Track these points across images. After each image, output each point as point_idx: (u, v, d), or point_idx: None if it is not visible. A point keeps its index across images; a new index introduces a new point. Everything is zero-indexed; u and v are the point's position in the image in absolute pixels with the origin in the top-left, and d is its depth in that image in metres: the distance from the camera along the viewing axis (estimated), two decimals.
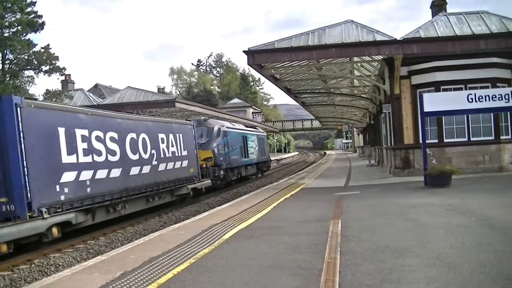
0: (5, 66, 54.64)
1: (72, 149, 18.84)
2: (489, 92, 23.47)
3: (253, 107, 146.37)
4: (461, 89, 27.69)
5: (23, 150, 16.21)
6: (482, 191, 20.80)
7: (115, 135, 22.00)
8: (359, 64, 36.42)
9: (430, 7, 34.02)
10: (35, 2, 55.59)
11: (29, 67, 56.13)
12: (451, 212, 15.62)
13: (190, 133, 31.49)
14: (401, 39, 26.96)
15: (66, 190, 18.23)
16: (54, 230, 17.53)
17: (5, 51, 53.99)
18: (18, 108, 16.14)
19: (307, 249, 11.54)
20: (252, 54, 27.85)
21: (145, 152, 25.04)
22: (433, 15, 32.19)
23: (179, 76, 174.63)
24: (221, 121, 47.02)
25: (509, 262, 9.39)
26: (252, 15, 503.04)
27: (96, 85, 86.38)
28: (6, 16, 53.14)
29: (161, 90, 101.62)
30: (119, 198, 21.97)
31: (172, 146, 28.09)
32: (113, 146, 21.76)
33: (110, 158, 21.48)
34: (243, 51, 27.63)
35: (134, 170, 23.61)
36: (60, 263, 16.56)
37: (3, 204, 16.13)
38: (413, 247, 10.98)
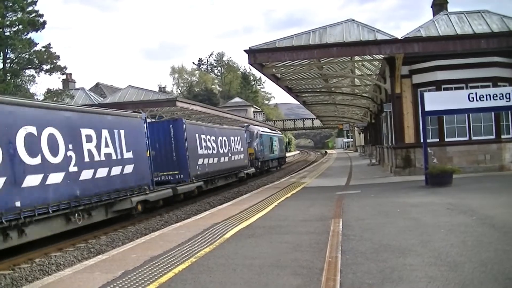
0: (6, 65, 54.65)
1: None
2: (490, 91, 23.45)
3: (254, 106, 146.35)
4: (462, 88, 27.68)
5: (186, 146, 30.90)
6: (483, 190, 20.79)
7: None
8: (360, 63, 36.46)
9: (431, 6, 34.08)
10: (36, 1, 55.59)
11: (30, 66, 56.15)
12: (452, 211, 15.62)
13: (245, 137, 46.31)
14: (402, 38, 26.98)
15: (199, 168, 33.25)
16: (195, 190, 32.04)
17: (6, 50, 54.00)
18: (184, 125, 30.86)
19: (308, 248, 11.54)
20: (253, 53, 27.86)
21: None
22: (434, 14, 32.22)
23: (180, 75, 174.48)
24: (257, 126, 65.66)
25: (510, 261, 9.39)
26: (253, 14, 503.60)
27: (97, 84, 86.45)
28: (7, 15, 53.14)
29: (162, 89, 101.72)
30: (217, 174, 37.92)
31: (229, 145, 40.28)
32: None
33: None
34: (244, 50, 27.64)
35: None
36: (61, 262, 16.59)
37: (177, 174, 30.86)
38: (414, 246, 10.98)
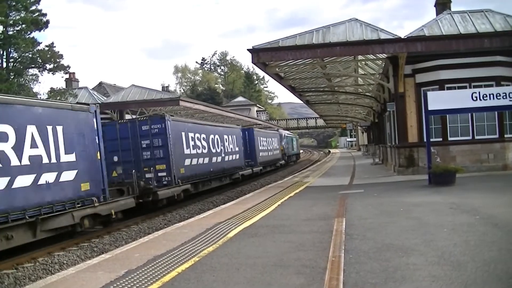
0: (9, 64, 54.70)
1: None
2: (493, 91, 23.45)
3: (257, 105, 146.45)
4: (465, 87, 27.64)
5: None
6: (486, 189, 20.78)
7: None
8: (363, 62, 36.43)
9: (435, 6, 34.00)
10: (39, 0, 55.67)
11: (33, 66, 56.17)
12: (455, 211, 15.62)
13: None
14: (405, 37, 26.96)
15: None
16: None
17: (9, 49, 54.04)
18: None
19: (311, 247, 11.55)
20: (257, 53, 27.84)
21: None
22: (437, 14, 32.17)
23: (183, 74, 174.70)
24: (284, 131, 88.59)
25: None
26: (256, 13, 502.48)
27: (100, 84, 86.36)
28: (11, 14, 53.18)
29: (165, 89, 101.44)
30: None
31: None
32: None
33: None
34: (248, 50, 27.62)
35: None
36: (65, 262, 16.66)
37: (250, 162, 45.15)
38: (417, 245, 10.98)
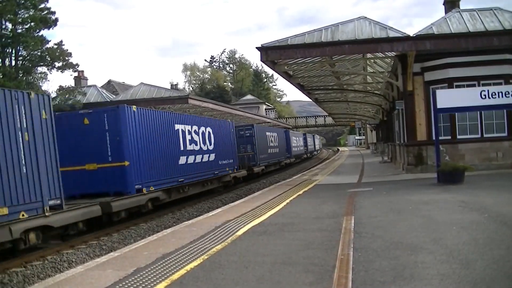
0: (18, 62, 54.72)
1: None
2: (502, 89, 23.40)
3: (266, 103, 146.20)
4: (474, 85, 27.56)
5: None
6: (495, 187, 20.73)
7: None
8: (372, 60, 36.49)
9: (443, 4, 33.89)
10: None
11: (42, 64, 56.12)
12: (464, 209, 15.59)
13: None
14: (414, 35, 26.93)
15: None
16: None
17: (18, 48, 54.04)
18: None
19: (320, 245, 11.55)
20: (265, 51, 27.85)
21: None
22: (446, 12, 32.08)
23: (192, 72, 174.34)
24: (307, 133, 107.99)
25: None
26: (266, 12, 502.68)
27: (109, 82, 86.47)
28: (19, 12, 53.20)
29: (174, 87, 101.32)
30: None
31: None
32: None
33: None
34: (256, 48, 27.64)
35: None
36: (73, 260, 16.70)
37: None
38: (426, 243, 10.97)
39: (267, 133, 55.96)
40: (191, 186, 30.61)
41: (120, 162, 22.84)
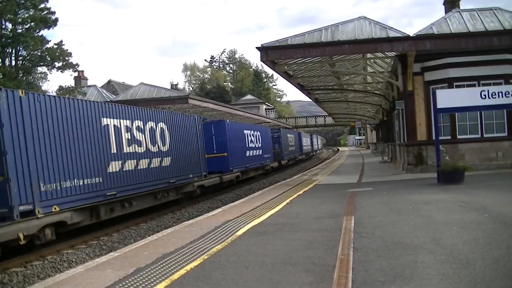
0: (18, 62, 54.88)
1: None
2: (502, 89, 23.40)
3: (266, 103, 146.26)
4: (474, 85, 27.57)
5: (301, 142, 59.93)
6: (495, 187, 20.73)
7: None
8: (372, 60, 36.50)
9: (443, 4, 33.89)
10: None
11: (42, 64, 56.34)
12: (464, 209, 15.60)
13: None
14: (414, 35, 26.95)
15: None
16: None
17: (18, 48, 54.23)
18: (297, 134, 63.00)
19: (320, 245, 11.55)
20: (265, 51, 27.85)
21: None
22: (446, 12, 32.10)
23: (192, 72, 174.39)
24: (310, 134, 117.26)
25: None
26: (266, 11, 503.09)
27: (109, 82, 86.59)
28: (19, 12, 53.36)
29: (174, 87, 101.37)
30: None
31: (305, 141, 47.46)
32: None
33: None
34: (256, 48, 27.63)
35: None
36: (73, 260, 16.70)
37: (299, 152, 79.28)
38: (426, 243, 10.98)
39: (288, 135, 70.55)
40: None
41: None
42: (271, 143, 57.90)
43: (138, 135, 23.86)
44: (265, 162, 51.52)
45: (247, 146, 43.02)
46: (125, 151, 22.49)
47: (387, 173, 33.70)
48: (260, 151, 48.73)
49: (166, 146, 26.85)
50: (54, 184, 17.58)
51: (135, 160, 23.25)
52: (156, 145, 25.64)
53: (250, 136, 44.23)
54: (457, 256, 9.70)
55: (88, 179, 19.60)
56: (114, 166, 21.52)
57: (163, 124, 26.77)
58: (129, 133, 23.05)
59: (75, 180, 18.80)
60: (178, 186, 28.03)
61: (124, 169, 22.23)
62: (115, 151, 21.77)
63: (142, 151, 24.06)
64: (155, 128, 25.65)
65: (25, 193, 16.06)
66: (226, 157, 37.31)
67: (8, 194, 15.50)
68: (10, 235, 15.17)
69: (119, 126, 22.23)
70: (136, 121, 24.00)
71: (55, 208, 17.37)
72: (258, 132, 48.25)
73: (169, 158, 27.06)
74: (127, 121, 23.15)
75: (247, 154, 43.30)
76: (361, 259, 9.89)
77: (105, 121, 21.23)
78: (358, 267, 9.29)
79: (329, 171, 42.16)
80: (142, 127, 24.41)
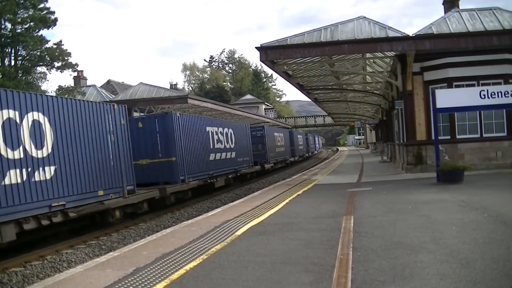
0: (17, 62, 54.89)
1: None
2: (502, 89, 23.44)
3: (265, 103, 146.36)
4: (473, 85, 27.57)
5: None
6: (494, 187, 20.74)
7: None
8: (372, 60, 36.52)
9: (443, 4, 33.91)
10: None
11: (41, 63, 56.33)
12: (464, 208, 15.60)
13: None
14: (414, 35, 26.94)
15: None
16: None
17: (17, 47, 54.24)
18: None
19: (320, 245, 11.55)
20: (265, 51, 27.84)
21: None
22: (445, 12, 32.12)
23: (191, 72, 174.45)
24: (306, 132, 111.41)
25: None
26: (266, 11, 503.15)
27: (108, 81, 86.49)
28: (19, 12, 53.36)
29: (173, 86, 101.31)
30: None
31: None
32: None
33: None
34: (256, 48, 27.61)
35: None
36: (73, 259, 16.70)
37: (307, 150, 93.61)
38: (426, 243, 10.97)
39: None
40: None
41: None
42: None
43: (300, 140, 42.44)
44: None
45: (211, 147, 32.63)
46: (299, 143, 37.89)
47: (386, 173, 33.71)
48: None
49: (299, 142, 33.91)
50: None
51: (299, 147, 41.04)
52: (302, 143, 40.43)
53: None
54: (457, 255, 9.69)
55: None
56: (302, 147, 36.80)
57: (300, 135, 38.83)
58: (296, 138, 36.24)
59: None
60: (285, 159, 37.78)
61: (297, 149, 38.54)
62: None
63: (299, 144, 47.29)
64: (300, 137, 40.14)
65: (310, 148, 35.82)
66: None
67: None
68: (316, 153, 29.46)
69: (299, 136, 37.54)
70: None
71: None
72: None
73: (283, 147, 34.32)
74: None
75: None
76: (361, 259, 9.88)
77: None
78: (357, 267, 9.28)
79: (328, 171, 42.16)
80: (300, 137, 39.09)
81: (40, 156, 17.47)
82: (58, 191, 18.10)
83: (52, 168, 18.00)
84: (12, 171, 16.08)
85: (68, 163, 18.93)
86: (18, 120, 16.66)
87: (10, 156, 16.13)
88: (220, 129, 36.32)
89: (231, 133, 38.90)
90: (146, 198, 24.26)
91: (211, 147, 33.68)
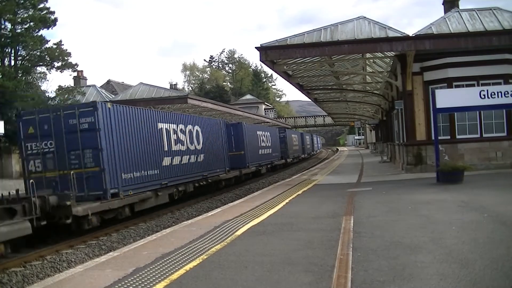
0: (17, 62, 54.83)
1: None
2: (502, 89, 23.44)
3: (265, 103, 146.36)
4: (473, 85, 27.55)
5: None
6: (494, 187, 20.74)
7: None
8: (372, 60, 36.51)
9: (443, 4, 33.88)
10: None
11: (41, 63, 56.27)
12: (464, 209, 15.60)
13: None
14: (414, 35, 26.94)
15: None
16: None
17: (17, 47, 54.18)
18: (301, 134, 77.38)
19: (320, 245, 11.55)
20: (265, 51, 27.84)
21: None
22: (445, 12, 32.08)
23: (191, 72, 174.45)
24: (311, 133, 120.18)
25: None
26: (266, 12, 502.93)
27: (108, 81, 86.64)
28: (19, 12, 53.32)
29: (173, 86, 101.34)
30: None
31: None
32: None
33: None
34: (256, 48, 27.62)
35: None
36: (73, 259, 16.70)
37: (312, 148, 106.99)
38: (425, 243, 10.98)
39: (292, 135, 75.46)
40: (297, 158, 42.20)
41: None
42: (279, 143, 62.07)
43: (307, 140, 43.49)
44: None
45: (165, 149, 26.98)
46: (306, 143, 44.32)
47: (386, 173, 33.70)
48: (201, 156, 33.35)
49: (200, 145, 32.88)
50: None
51: (308, 146, 45.92)
52: (306, 143, 40.86)
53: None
54: (457, 256, 9.70)
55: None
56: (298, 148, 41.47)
57: (307, 136, 42.75)
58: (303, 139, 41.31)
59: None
60: (298, 155, 46.18)
61: (301, 149, 44.32)
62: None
63: (307, 144, 51.59)
64: (308, 137, 41.82)
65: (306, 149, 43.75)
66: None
67: (312, 149, 46.38)
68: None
69: (306, 137, 45.31)
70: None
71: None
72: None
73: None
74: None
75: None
76: (361, 259, 9.89)
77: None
78: (357, 267, 9.29)
79: (328, 171, 42.13)
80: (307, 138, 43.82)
81: (199, 148, 32.12)
82: (205, 167, 33.09)
83: (203, 155, 32.83)
84: (192, 156, 30.94)
85: (208, 153, 33.80)
86: (192, 129, 31.36)
87: (191, 148, 30.84)
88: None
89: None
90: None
91: (165, 149, 27.30)
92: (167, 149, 27.08)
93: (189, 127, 31.08)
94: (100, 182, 21.04)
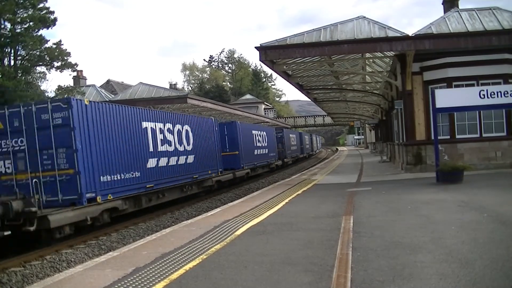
0: (17, 62, 54.74)
1: None
2: (501, 88, 23.42)
3: (265, 103, 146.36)
4: (473, 85, 27.56)
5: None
6: (494, 187, 20.73)
7: None
8: (371, 60, 36.50)
9: (442, 4, 33.91)
10: None
11: (41, 63, 56.16)
12: (463, 208, 15.59)
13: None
14: (413, 35, 26.95)
15: None
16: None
17: (17, 47, 54.07)
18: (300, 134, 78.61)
19: (319, 245, 11.55)
20: (264, 50, 27.84)
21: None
22: (445, 11, 32.13)
23: (191, 72, 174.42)
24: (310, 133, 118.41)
25: None
26: (266, 11, 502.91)
27: (108, 81, 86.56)
28: (18, 12, 53.23)
29: (173, 86, 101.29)
30: None
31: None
32: None
33: None
34: (255, 47, 27.61)
35: None
36: (72, 259, 16.69)
37: (312, 148, 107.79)
38: (425, 243, 10.98)
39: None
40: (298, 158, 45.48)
41: None
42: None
43: (310, 139, 43.09)
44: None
45: (150, 150, 24.86)
46: (305, 143, 44.72)
47: (386, 172, 33.68)
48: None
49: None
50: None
51: (307, 145, 46.11)
52: (306, 143, 40.74)
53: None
54: (456, 255, 9.70)
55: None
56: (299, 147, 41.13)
57: (307, 136, 43.26)
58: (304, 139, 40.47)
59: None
60: (297, 155, 43.38)
61: (300, 148, 43.24)
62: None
63: (307, 144, 45.36)
64: (307, 137, 42.04)
65: (308, 148, 41.76)
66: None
67: (312, 148, 45.43)
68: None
69: (306, 137, 46.62)
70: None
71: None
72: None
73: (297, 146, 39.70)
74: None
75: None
76: (360, 259, 9.89)
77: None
78: (357, 267, 9.29)
79: (328, 170, 42.12)
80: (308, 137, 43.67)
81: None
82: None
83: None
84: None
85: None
86: (181, 129, 29.42)
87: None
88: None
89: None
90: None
91: (151, 149, 25.44)
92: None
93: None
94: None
